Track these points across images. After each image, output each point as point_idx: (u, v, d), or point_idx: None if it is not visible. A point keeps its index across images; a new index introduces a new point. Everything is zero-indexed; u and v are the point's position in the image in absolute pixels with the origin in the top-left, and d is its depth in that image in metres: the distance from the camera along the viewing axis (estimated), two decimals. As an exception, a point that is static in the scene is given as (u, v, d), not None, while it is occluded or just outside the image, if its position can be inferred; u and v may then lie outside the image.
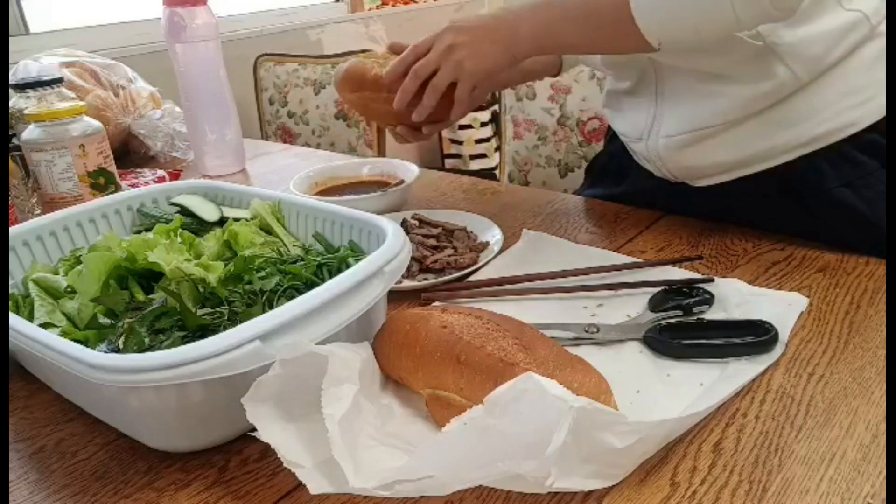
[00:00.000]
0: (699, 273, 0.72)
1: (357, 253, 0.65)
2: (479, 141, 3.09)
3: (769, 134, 0.76)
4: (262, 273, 0.59)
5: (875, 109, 0.73)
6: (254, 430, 0.46)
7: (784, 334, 0.59)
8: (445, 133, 3.09)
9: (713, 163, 0.80)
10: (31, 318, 0.58)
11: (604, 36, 0.74)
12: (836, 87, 0.73)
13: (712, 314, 0.65)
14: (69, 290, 0.60)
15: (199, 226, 0.73)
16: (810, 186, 0.77)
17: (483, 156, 3.11)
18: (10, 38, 1.84)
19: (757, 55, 0.72)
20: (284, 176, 1.04)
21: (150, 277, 0.60)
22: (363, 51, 0.93)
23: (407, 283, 0.73)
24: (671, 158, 0.82)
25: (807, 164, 0.76)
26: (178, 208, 0.77)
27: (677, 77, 0.79)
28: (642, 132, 0.84)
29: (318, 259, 0.62)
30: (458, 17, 0.83)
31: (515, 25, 0.76)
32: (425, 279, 0.74)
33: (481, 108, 3.01)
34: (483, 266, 0.76)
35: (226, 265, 0.60)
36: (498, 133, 2.37)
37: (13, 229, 0.67)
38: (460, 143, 3.10)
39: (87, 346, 0.48)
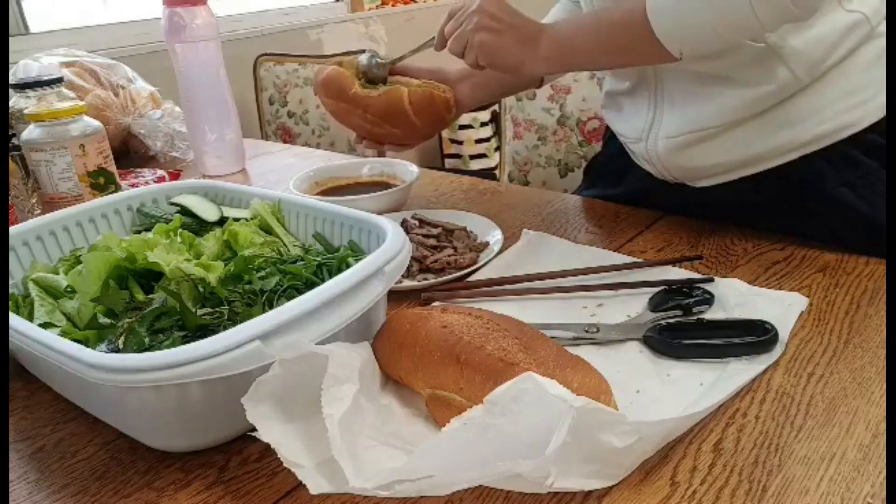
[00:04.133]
0: (699, 273, 0.72)
1: (357, 253, 0.65)
2: (479, 141, 3.09)
3: (769, 135, 0.76)
4: (262, 273, 0.59)
5: (875, 110, 0.73)
6: (254, 430, 0.46)
7: (784, 334, 0.59)
8: (445, 133, 3.09)
9: (713, 164, 0.80)
10: (31, 318, 0.58)
11: (623, 51, 0.74)
12: (835, 88, 0.73)
13: (712, 314, 0.65)
14: (69, 289, 0.60)
15: (199, 226, 0.73)
16: (810, 186, 0.77)
17: (483, 156, 3.11)
18: (10, 38, 1.84)
19: (758, 57, 0.72)
20: (284, 176, 1.05)
21: (150, 277, 0.60)
22: (361, 51, 0.94)
23: (407, 283, 0.73)
24: (670, 159, 0.82)
25: (807, 164, 0.76)
26: (177, 208, 0.77)
27: (677, 78, 0.79)
28: (641, 133, 0.84)
29: (318, 259, 0.62)
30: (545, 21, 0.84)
31: (536, 40, 0.76)
32: (425, 279, 0.74)
33: (481, 108, 3.01)
34: (483, 266, 0.76)
35: (226, 265, 0.60)
36: (498, 133, 2.37)
37: (13, 229, 0.67)
38: (460, 143, 3.10)
39: (87, 346, 0.48)
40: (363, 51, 0.94)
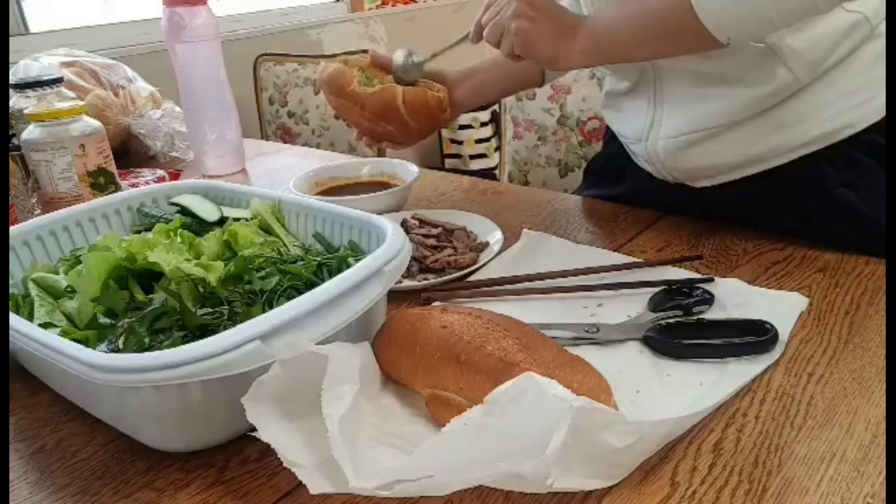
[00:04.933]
0: (699, 273, 0.72)
1: (357, 253, 0.65)
2: (479, 141, 3.09)
3: (769, 135, 0.76)
4: (262, 273, 0.59)
5: (875, 110, 0.73)
6: (254, 430, 0.46)
7: (784, 334, 0.59)
8: (445, 133, 3.09)
9: (713, 164, 0.80)
10: (31, 318, 0.58)
11: (666, 40, 0.72)
12: (835, 88, 0.73)
13: (712, 314, 0.65)
14: (69, 289, 0.60)
15: (199, 226, 0.73)
16: (810, 186, 0.77)
17: (483, 156, 3.11)
18: (10, 38, 1.84)
19: (757, 57, 0.72)
20: (284, 176, 1.04)
21: (150, 277, 0.60)
22: (363, 51, 0.95)
23: (407, 283, 0.73)
24: (671, 160, 0.82)
25: (807, 164, 0.76)
26: (177, 208, 0.77)
27: (676, 79, 0.79)
28: (642, 133, 0.84)
29: (318, 259, 0.62)
30: None
31: (573, 32, 0.74)
32: (425, 279, 0.74)
33: (481, 108, 3.01)
34: (483, 266, 0.76)
35: (226, 265, 0.60)
36: (498, 133, 2.37)
37: (13, 229, 0.67)
38: (460, 143, 3.10)
39: (87, 346, 0.48)
40: (365, 51, 0.94)
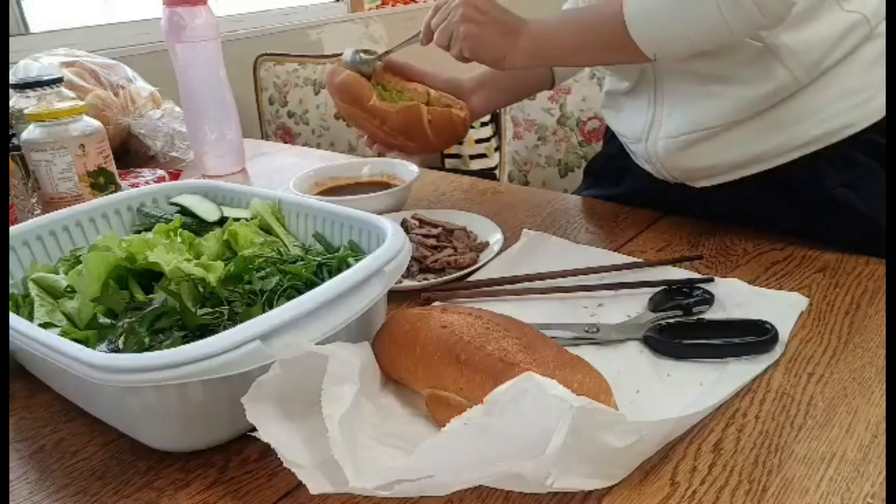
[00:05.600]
0: (699, 273, 0.72)
1: (357, 253, 0.65)
2: (479, 141, 3.09)
3: (769, 135, 0.76)
4: (262, 273, 0.59)
5: (874, 110, 0.73)
6: (254, 430, 0.46)
7: (784, 334, 0.59)
8: (445, 133, 3.09)
9: (713, 164, 0.80)
10: (31, 318, 0.58)
11: (600, 49, 0.76)
12: (835, 89, 0.73)
13: (712, 314, 0.65)
14: (69, 289, 0.60)
15: (199, 226, 0.73)
16: (810, 187, 0.77)
17: (483, 156, 3.11)
18: (10, 38, 1.84)
19: (757, 57, 0.72)
20: (284, 176, 1.04)
21: (150, 277, 0.60)
22: (365, 51, 0.93)
23: (407, 283, 0.73)
24: (670, 160, 0.82)
25: (806, 164, 0.76)
26: (177, 208, 0.77)
27: (677, 79, 0.79)
28: (641, 133, 0.84)
29: (318, 259, 0.62)
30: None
31: (517, 33, 0.78)
32: (425, 279, 0.74)
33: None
34: (483, 266, 0.76)
35: (226, 265, 0.60)
36: (498, 133, 2.37)
37: (13, 229, 0.67)
38: (460, 142, 3.10)
39: (87, 346, 0.48)
40: (367, 50, 0.93)
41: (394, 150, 0.98)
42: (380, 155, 1.03)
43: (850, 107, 0.73)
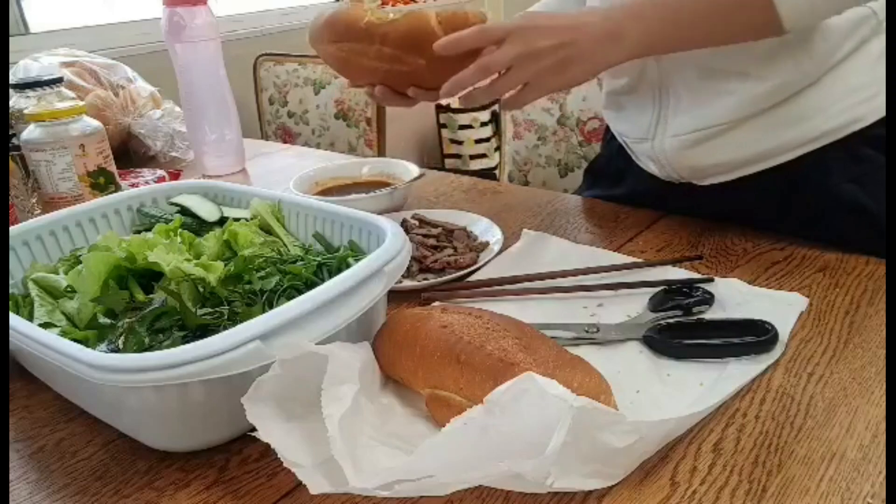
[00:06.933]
0: (699, 273, 0.72)
1: (357, 253, 0.65)
2: (479, 141, 3.09)
3: (777, 131, 0.75)
4: (262, 273, 0.59)
5: (881, 105, 0.73)
6: (254, 430, 0.46)
7: (784, 334, 0.59)
8: (445, 133, 3.09)
9: (721, 161, 0.79)
10: (31, 318, 0.58)
11: (733, 25, 0.67)
12: (843, 84, 0.73)
13: (712, 314, 0.65)
14: (69, 289, 0.60)
15: (199, 226, 0.73)
16: (816, 182, 0.77)
17: (483, 156, 3.11)
18: (10, 38, 1.84)
19: (766, 51, 0.72)
20: (284, 176, 1.04)
21: (150, 277, 0.60)
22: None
23: (407, 283, 0.73)
24: (679, 158, 0.82)
25: (813, 160, 0.76)
26: (177, 208, 0.77)
27: (683, 75, 0.78)
28: (647, 132, 0.83)
29: (318, 259, 0.62)
30: (535, 9, 0.77)
31: (619, 34, 0.68)
32: (425, 279, 0.74)
33: (481, 108, 3.01)
34: (483, 266, 0.76)
35: (226, 265, 0.60)
36: (498, 133, 2.37)
37: (13, 229, 0.67)
38: (460, 143, 3.10)
39: (87, 346, 0.48)
40: None
41: (406, 89, 0.76)
42: (379, 153, 0.98)
43: (857, 102, 0.73)
